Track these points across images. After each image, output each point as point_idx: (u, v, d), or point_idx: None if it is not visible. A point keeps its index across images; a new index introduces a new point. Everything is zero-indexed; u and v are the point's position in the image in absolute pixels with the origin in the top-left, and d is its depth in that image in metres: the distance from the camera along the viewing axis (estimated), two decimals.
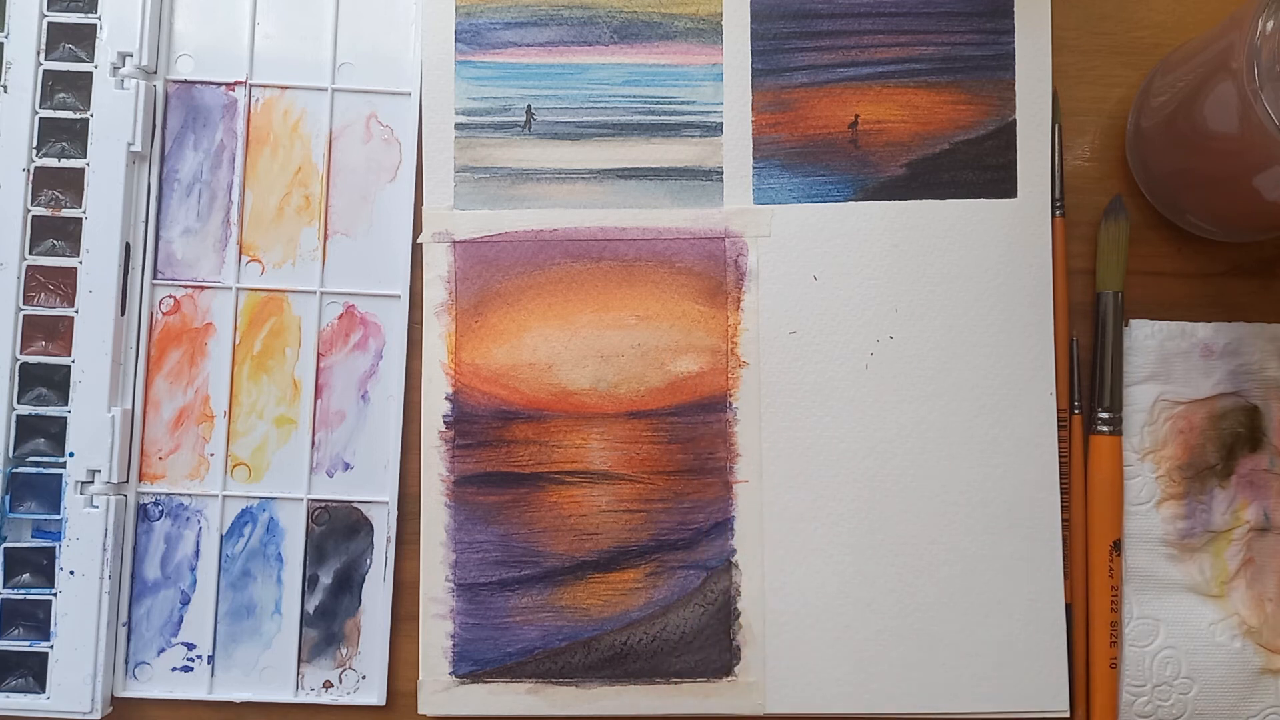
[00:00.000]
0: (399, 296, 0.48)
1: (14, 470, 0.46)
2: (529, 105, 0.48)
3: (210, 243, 0.48)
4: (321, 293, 0.48)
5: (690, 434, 0.47)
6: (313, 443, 0.47)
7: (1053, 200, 0.48)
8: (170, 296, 0.47)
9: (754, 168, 0.48)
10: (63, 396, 0.46)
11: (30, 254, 0.47)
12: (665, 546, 0.47)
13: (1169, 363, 0.47)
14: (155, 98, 0.47)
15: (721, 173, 0.48)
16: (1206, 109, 0.42)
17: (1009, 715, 0.46)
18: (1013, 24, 0.48)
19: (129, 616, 0.47)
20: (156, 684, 0.47)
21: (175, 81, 0.48)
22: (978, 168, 0.48)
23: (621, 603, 0.47)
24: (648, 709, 0.46)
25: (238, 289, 0.47)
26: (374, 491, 0.47)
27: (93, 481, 0.46)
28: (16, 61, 0.47)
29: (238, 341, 0.47)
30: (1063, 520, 0.47)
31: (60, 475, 0.46)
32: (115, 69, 0.47)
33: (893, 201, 0.48)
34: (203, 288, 0.48)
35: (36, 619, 0.46)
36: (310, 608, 0.47)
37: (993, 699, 0.46)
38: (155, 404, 0.47)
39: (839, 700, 0.46)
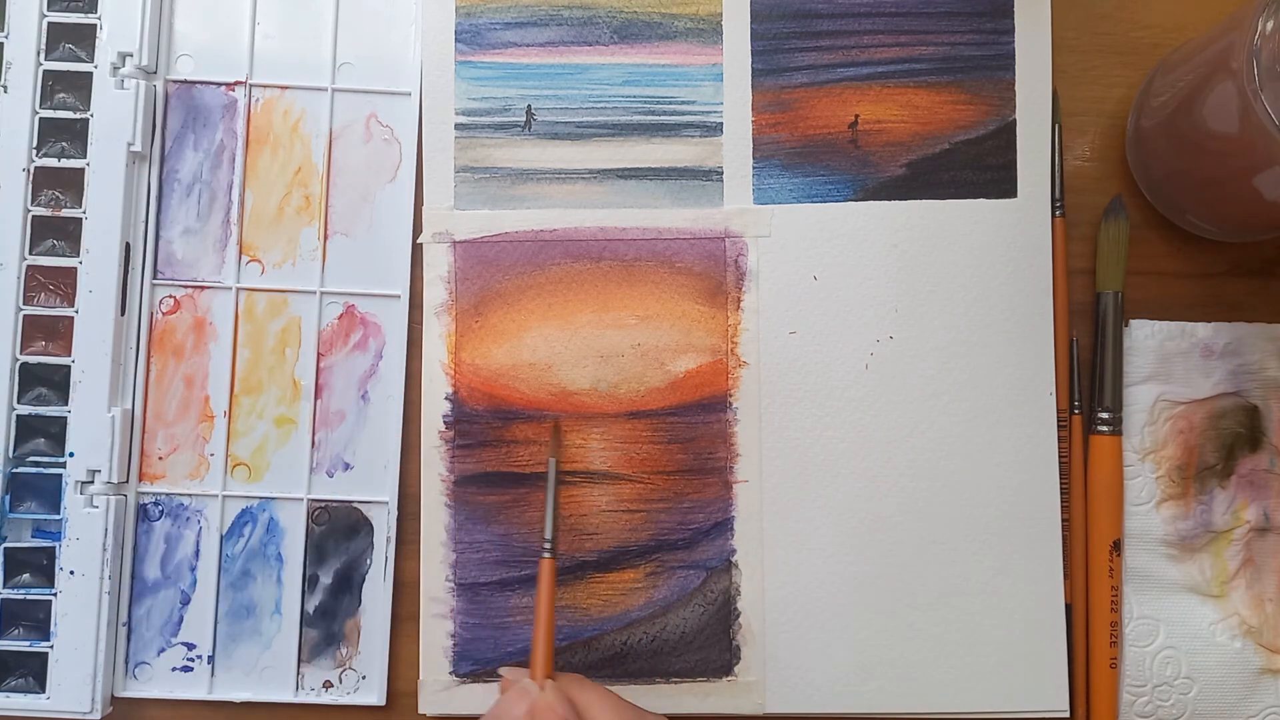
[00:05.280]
0: (399, 296, 0.48)
1: (14, 470, 0.46)
2: (529, 105, 0.48)
3: (210, 243, 0.48)
4: (321, 293, 0.48)
5: (690, 434, 0.47)
6: (313, 443, 0.47)
7: (1053, 200, 0.48)
8: (170, 296, 0.47)
9: (754, 168, 0.48)
10: (63, 396, 0.46)
11: (30, 254, 0.47)
12: (665, 546, 0.47)
13: (1169, 363, 0.47)
14: (155, 98, 0.47)
15: (721, 173, 0.48)
16: (1206, 109, 0.42)
17: (1009, 715, 0.46)
18: (1013, 24, 0.48)
19: (129, 616, 0.47)
20: (156, 684, 0.47)
21: (175, 81, 0.48)
22: (978, 168, 0.48)
23: (621, 602, 0.47)
24: (648, 708, 0.46)
25: (238, 289, 0.47)
26: (374, 491, 0.47)
27: (93, 481, 0.46)
28: (16, 61, 0.47)
29: (238, 341, 0.47)
30: (1063, 520, 0.47)
31: (60, 475, 0.46)
32: (115, 69, 0.47)
33: (893, 201, 0.48)
34: (203, 288, 0.47)
35: (36, 619, 0.46)
36: (310, 608, 0.47)
37: (993, 699, 0.46)
38: (155, 404, 0.47)
39: (839, 700, 0.46)
